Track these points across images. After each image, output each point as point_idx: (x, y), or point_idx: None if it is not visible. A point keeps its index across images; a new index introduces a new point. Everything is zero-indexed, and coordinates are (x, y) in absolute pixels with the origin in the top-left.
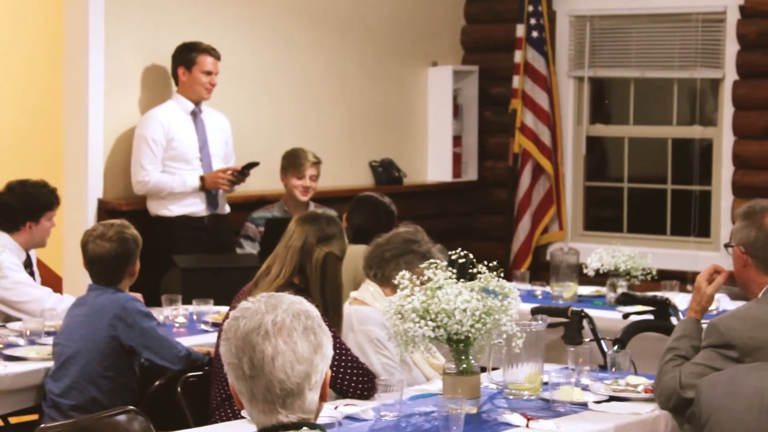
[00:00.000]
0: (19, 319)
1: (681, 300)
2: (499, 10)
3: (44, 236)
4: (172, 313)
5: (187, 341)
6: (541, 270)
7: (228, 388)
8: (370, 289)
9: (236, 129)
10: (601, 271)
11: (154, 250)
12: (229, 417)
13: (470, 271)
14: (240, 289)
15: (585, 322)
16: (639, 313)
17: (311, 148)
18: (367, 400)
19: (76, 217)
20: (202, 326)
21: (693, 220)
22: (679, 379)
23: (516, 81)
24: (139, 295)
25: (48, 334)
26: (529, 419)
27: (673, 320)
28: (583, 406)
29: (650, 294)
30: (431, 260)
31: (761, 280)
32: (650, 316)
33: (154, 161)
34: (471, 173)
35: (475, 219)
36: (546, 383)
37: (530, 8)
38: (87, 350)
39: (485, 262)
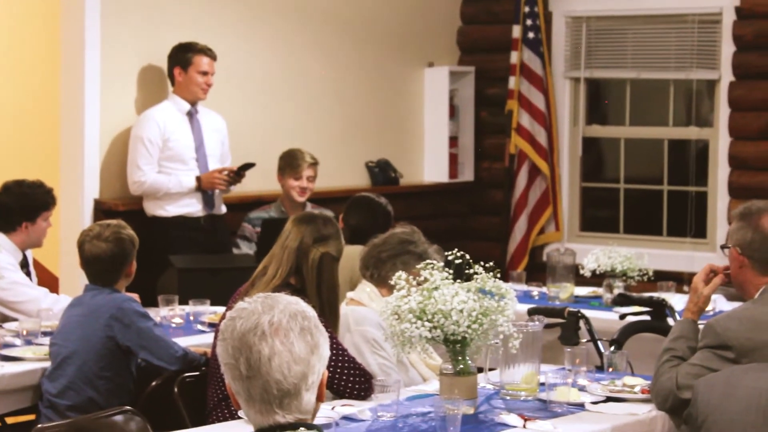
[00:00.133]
0: (15, 320)
1: (677, 301)
2: (495, 11)
3: (41, 236)
4: (168, 314)
5: (184, 341)
6: (538, 271)
7: (225, 389)
8: (366, 289)
9: (232, 129)
10: (597, 272)
11: (151, 251)
12: (226, 417)
13: (467, 271)
14: (237, 290)
15: (582, 323)
16: (635, 313)
17: (307, 149)
18: (364, 401)
19: (72, 217)
20: (199, 326)
21: (689, 221)
22: (675, 380)
23: (512, 82)
24: (135, 296)
25: (44, 334)
26: (526, 420)
27: (670, 321)
28: (580, 406)
29: (647, 295)
30: (428, 261)
31: (758, 281)
32: (647, 317)
33: (151, 161)
34: (467, 174)
35: (471, 219)
36: (543, 384)
37: (526, 9)
38: (84, 350)
39: (482, 263)
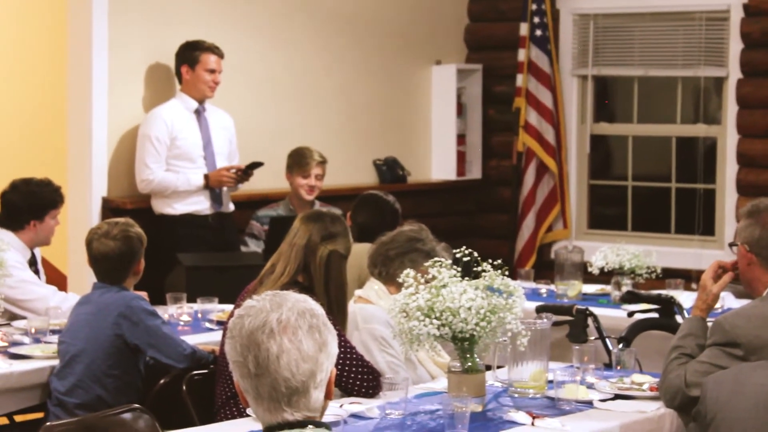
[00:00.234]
0: (24, 318)
1: (686, 298)
2: (502, 8)
3: (49, 235)
4: (176, 312)
5: (192, 339)
6: (546, 268)
7: (233, 387)
8: (374, 287)
9: (240, 127)
10: (605, 270)
11: (159, 249)
12: (234, 415)
13: (475, 269)
14: (244, 288)
15: (590, 321)
16: (644, 311)
17: (315, 147)
18: (372, 399)
19: (80, 215)
20: (207, 324)
21: (697, 219)
22: (684, 378)
23: (520, 79)
24: (143, 294)
25: (53, 332)
26: (534, 417)
27: (678, 318)
28: (588, 404)
29: (655, 292)
30: (436, 258)
31: (766, 278)
32: (655, 315)
33: (158, 160)
34: (475, 172)
35: (479, 217)
36: (551, 381)
37: (534, 7)
38: (92, 348)
39: (490, 261)
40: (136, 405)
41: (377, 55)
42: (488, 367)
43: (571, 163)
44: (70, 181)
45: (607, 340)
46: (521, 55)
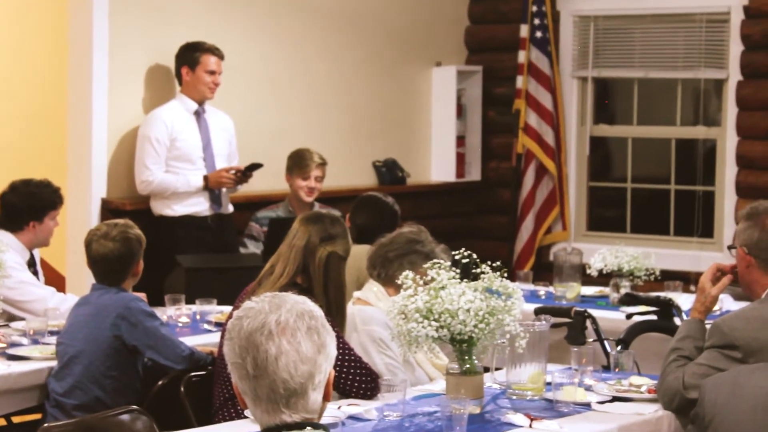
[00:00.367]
0: (22, 319)
1: (684, 300)
2: (503, 10)
3: (48, 236)
4: (175, 313)
5: (191, 341)
6: (545, 270)
7: (231, 388)
8: (373, 289)
9: (240, 129)
10: (604, 272)
11: (158, 250)
12: (232, 417)
13: (474, 271)
14: (243, 289)
15: (588, 323)
16: (642, 313)
17: (315, 148)
18: (371, 400)
19: (79, 216)
20: (206, 326)
21: (696, 221)
22: (682, 380)
23: (520, 81)
24: (142, 295)
25: (51, 333)
26: (532, 419)
27: (677, 321)
28: (587, 406)
29: (653, 294)
30: (435, 260)
31: (764, 280)
32: (653, 317)
33: (158, 161)
34: (474, 173)
35: (478, 219)
36: (549, 383)
37: (534, 8)
38: (90, 350)
39: (489, 262)
40: (135, 406)
41: (377, 57)
42: (486, 369)
43: (571, 164)
44: (69, 182)
45: (606, 342)
46: (521, 56)
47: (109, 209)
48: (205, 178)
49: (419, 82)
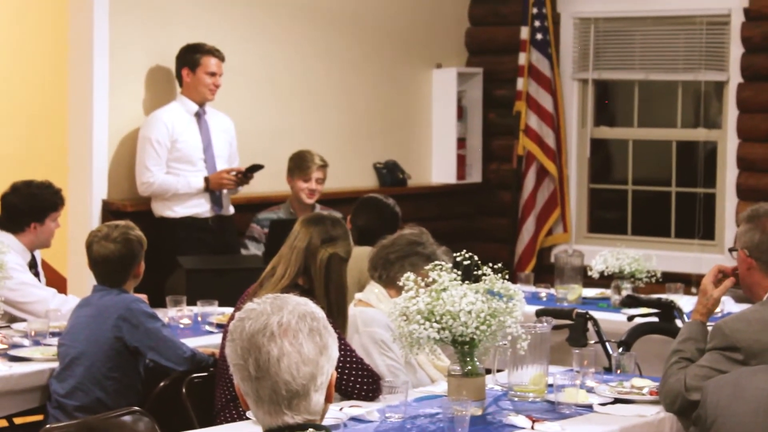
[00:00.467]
0: (24, 320)
1: (685, 302)
2: (503, 12)
3: (49, 237)
4: (176, 314)
5: (192, 342)
6: (546, 272)
7: (233, 389)
8: (374, 290)
9: (240, 130)
10: (605, 274)
11: (159, 251)
12: (234, 418)
13: (475, 273)
14: (245, 291)
15: (590, 325)
16: (644, 315)
17: (315, 150)
18: (372, 402)
19: (80, 218)
20: (207, 327)
21: (697, 223)
22: (684, 382)
23: (520, 83)
24: (143, 296)
25: (53, 334)
26: (534, 421)
27: (678, 322)
28: (588, 408)
29: (655, 296)
30: (436, 262)
31: (766, 283)
32: (655, 319)
33: (159, 163)
34: (475, 175)
35: (479, 221)
36: (551, 385)
37: (534, 10)
38: (92, 351)
39: (490, 264)
40: (136, 408)
41: (378, 58)
42: (488, 371)
43: (572, 166)
44: (70, 184)
45: (607, 344)
46: (522, 58)
47: (110, 211)
48: (206, 179)
49: (420, 83)
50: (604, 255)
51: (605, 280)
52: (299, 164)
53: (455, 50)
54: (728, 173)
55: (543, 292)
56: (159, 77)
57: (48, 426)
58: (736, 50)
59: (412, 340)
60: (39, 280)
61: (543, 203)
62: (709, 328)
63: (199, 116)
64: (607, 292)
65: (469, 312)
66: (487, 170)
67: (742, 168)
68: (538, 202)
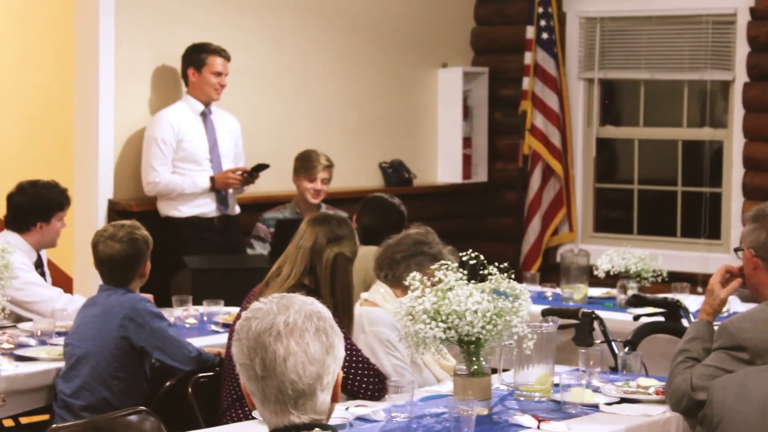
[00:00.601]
0: (30, 320)
1: (692, 302)
2: (509, 11)
3: (55, 237)
4: (182, 314)
5: (198, 342)
6: (551, 271)
7: (239, 389)
8: (380, 290)
9: (246, 130)
10: (611, 273)
11: (165, 251)
12: (240, 418)
13: (481, 272)
14: (250, 290)
15: (596, 324)
16: (650, 314)
17: (321, 149)
18: (378, 402)
19: (86, 217)
20: (213, 327)
21: (703, 222)
22: (690, 381)
23: (526, 83)
24: (149, 296)
25: (59, 334)
26: (540, 421)
27: (684, 322)
28: (594, 407)
29: (661, 296)
30: (442, 262)
31: None
32: (661, 318)
33: (165, 162)
34: (481, 175)
35: (485, 220)
36: (557, 385)
37: (540, 10)
38: (98, 351)
39: (496, 264)
40: (142, 407)
41: (383, 58)
42: (494, 371)
43: (577, 166)
44: (76, 184)
45: (613, 343)
46: (527, 58)
47: (115, 210)
48: (212, 179)
49: (425, 83)
50: (610, 254)
51: (611, 279)
52: (305, 164)
53: (461, 50)
54: (734, 172)
55: (549, 291)
56: (165, 77)
57: (54, 425)
58: (742, 49)
59: (418, 340)
60: (45, 279)
61: (549, 203)
62: (716, 328)
63: (204, 116)
64: (613, 291)
65: (475, 311)
66: (492, 170)
67: (748, 167)
68: (543, 201)
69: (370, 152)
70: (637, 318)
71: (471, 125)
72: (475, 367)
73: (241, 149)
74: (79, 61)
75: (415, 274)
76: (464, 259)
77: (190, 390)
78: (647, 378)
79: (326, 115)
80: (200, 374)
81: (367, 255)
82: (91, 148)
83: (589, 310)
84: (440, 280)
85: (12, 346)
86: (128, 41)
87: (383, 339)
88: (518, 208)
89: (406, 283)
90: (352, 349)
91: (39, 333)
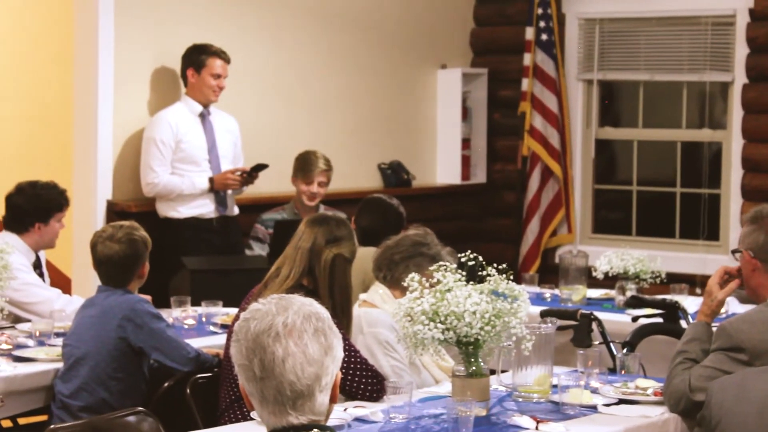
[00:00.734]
0: (28, 320)
1: (690, 303)
2: (508, 12)
3: (53, 237)
4: (181, 315)
5: (196, 343)
6: (550, 273)
7: (237, 390)
8: (379, 291)
9: (245, 131)
10: (610, 274)
11: (163, 252)
12: (239, 419)
13: (479, 273)
14: (249, 291)
15: (594, 325)
16: (648, 316)
17: (320, 150)
18: (377, 402)
19: (85, 218)
20: (211, 328)
21: (702, 224)
22: (688, 382)
23: (525, 84)
24: (148, 297)
25: (57, 335)
26: (538, 422)
27: (683, 323)
28: (593, 408)
29: (659, 297)
30: (440, 263)
31: None
32: (659, 319)
33: (164, 163)
34: (480, 176)
35: (483, 221)
36: (555, 386)
37: (539, 11)
38: (96, 351)
39: (494, 265)
40: (141, 408)
41: (383, 59)
42: (492, 372)
43: (576, 167)
44: (75, 184)
45: (612, 344)
46: (527, 59)
47: (114, 211)
48: (211, 180)
49: (424, 84)
50: (609, 256)
51: (610, 280)
52: (302, 166)
53: (460, 51)
54: (733, 174)
55: (547, 292)
56: (164, 78)
57: (52, 426)
58: (741, 51)
59: (417, 341)
60: (43, 280)
61: (547, 204)
62: (714, 329)
63: (203, 117)
64: (612, 292)
65: (474, 313)
66: (491, 171)
67: (747, 169)
68: (542, 202)
69: (369, 153)
70: (635, 319)
71: (470, 126)
72: (474, 368)
73: (240, 150)
74: (78, 61)
75: (414, 275)
76: (463, 260)
77: (188, 391)
78: (646, 379)
79: (325, 116)
80: (199, 375)
81: (365, 256)
82: (90, 148)
83: (588, 311)
84: (439, 281)
85: (10, 346)
86: (128, 41)
87: (382, 340)
88: (517, 209)
89: (405, 284)
90: (350, 350)
91: (37, 334)
